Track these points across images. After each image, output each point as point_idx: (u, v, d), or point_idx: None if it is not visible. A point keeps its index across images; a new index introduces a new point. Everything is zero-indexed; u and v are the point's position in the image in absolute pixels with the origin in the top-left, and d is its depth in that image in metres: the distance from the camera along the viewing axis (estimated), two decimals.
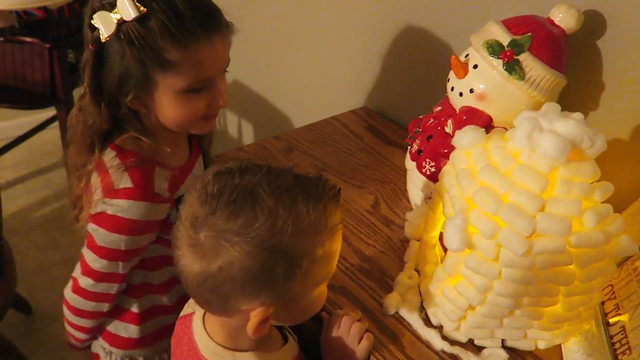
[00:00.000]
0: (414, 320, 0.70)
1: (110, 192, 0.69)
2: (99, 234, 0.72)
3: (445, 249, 0.68)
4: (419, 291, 0.74)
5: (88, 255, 0.75)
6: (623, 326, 0.61)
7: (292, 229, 0.51)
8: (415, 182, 0.87)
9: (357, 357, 0.66)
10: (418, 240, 0.81)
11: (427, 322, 0.71)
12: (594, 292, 0.62)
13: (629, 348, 0.58)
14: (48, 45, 1.63)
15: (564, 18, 0.73)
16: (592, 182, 0.59)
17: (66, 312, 0.82)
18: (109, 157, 0.71)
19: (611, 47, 0.76)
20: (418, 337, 0.69)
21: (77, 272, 0.78)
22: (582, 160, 0.58)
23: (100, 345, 0.86)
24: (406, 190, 0.94)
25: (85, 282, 0.76)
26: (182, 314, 0.68)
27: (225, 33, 0.70)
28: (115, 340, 0.84)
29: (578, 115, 0.60)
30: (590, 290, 0.61)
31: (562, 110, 0.62)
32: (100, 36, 0.65)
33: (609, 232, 0.58)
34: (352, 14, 1.19)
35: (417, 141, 0.88)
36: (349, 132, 1.13)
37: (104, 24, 0.64)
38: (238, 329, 0.58)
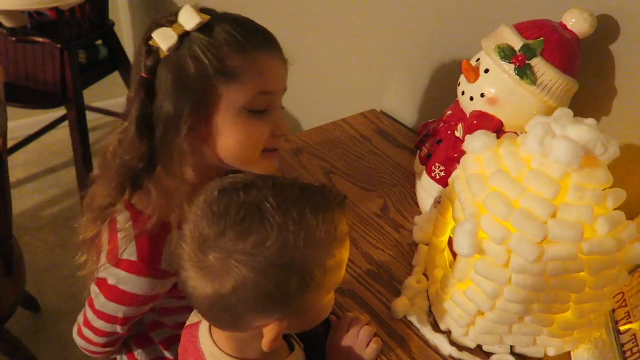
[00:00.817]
0: (422, 324, 0.70)
1: (114, 259, 0.66)
2: (99, 300, 0.70)
3: (454, 254, 0.68)
4: (427, 296, 0.74)
5: (88, 312, 0.73)
6: (634, 334, 0.60)
7: (304, 243, 0.50)
8: (425, 186, 0.87)
9: None
10: (427, 245, 0.81)
11: (435, 326, 0.70)
12: (604, 300, 0.61)
13: None
14: (59, 46, 1.65)
15: (576, 22, 0.72)
16: (605, 189, 0.59)
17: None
18: (123, 219, 0.67)
19: (624, 52, 0.75)
20: (426, 342, 0.69)
21: (80, 319, 0.77)
22: (595, 167, 0.58)
23: None
24: (415, 194, 0.94)
25: (87, 333, 0.76)
26: (187, 322, 0.68)
27: (283, 56, 0.68)
28: None
29: (591, 120, 0.59)
30: (601, 298, 0.60)
31: (575, 115, 0.61)
32: (160, 52, 0.62)
33: (621, 239, 0.57)
34: (362, 18, 1.19)
35: (427, 145, 0.88)
36: (358, 135, 1.12)
37: (164, 39, 0.61)
38: (246, 340, 0.58)
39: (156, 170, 0.66)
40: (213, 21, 0.63)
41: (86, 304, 0.74)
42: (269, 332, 0.53)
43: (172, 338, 0.83)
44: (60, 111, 2.07)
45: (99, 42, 1.93)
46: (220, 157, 0.67)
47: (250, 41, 0.64)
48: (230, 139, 0.65)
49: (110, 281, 0.67)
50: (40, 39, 1.66)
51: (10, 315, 1.20)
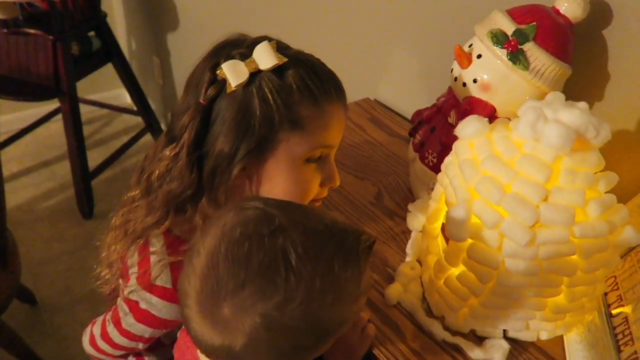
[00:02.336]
0: (415, 310, 0.70)
1: (147, 284, 0.64)
2: (127, 320, 0.68)
3: (447, 240, 0.68)
4: (421, 282, 0.74)
5: (111, 328, 0.72)
6: (626, 317, 0.61)
7: (331, 303, 0.46)
8: (418, 174, 0.87)
9: (360, 348, 0.66)
10: (420, 232, 0.81)
11: (429, 312, 0.70)
12: (597, 283, 0.62)
13: (632, 339, 0.58)
14: (52, 37, 1.64)
15: (569, 7, 0.72)
16: (596, 172, 0.59)
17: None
18: (158, 243, 0.65)
19: (617, 37, 0.75)
20: (420, 328, 0.69)
21: (96, 330, 0.75)
22: (587, 150, 0.58)
23: None
24: (409, 181, 0.94)
25: (104, 346, 0.74)
26: (184, 326, 0.67)
27: (347, 107, 0.66)
28: None
29: (583, 104, 0.59)
30: (594, 281, 0.61)
31: (567, 100, 0.61)
32: (226, 86, 0.59)
33: (613, 222, 0.57)
34: (355, 7, 1.19)
35: (420, 132, 0.88)
36: (352, 124, 1.12)
37: (234, 73, 0.58)
38: None
39: (201, 200, 0.63)
40: (288, 63, 0.60)
41: (107, 319, 0.73)
42: None
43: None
44: (54, 104, 2.07)
45: (92, 33, 1.92)
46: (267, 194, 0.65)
47: (323, 92, 0.61)
48: (280, 185, 0.63)
49: (142, 305, 0.65)
50: (33, 31, 1.65)
51: (4, 308, 1.20)
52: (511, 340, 0.67)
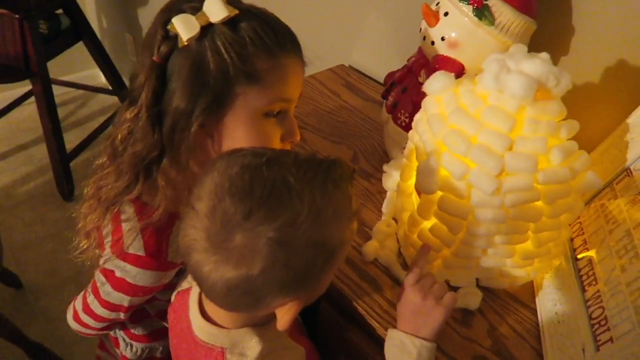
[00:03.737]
0: (392, 265, 0.72)
1: (120, 252, 0.64)
2: (104, 289, 0.69)
3: (419, 194, 0.69)
4: (397, 238, 0.76)
5: (91, 299, 0.72)
6: (590, 260, 0.64)
7: (332, 218, 0.49)
8: (392, 134, 0.88)
9: (433, 315, 0.59)
10: (395, 191, 0.82)
11: (405, 266, 0.73)
12: (561, 228, 0.64)
13: (595, 279, 0.61)
14: (18, 16, 1.59)
15: None
16: (559, 121, 0.60)
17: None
18: (127, 212, 0.65)
19: None
20: (397, 281, 0.71)
21: (78, 305, 0.76)
22: (548, 99, 0.59)
23: (120, 335, 0.86)
24: (384, 143, 0.95)
25: (86, 319, 0.75)
26: (179, 288, 0.68)
27: (304, 61, 0.65)
28: (135, 336, 0.84)
29: (544, 55, 0.61)
30: (558, 226, 0.63)
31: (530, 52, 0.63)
32: (178, 41, 0.57)
33: (575, 168, 0.59)
34: None
35: (393, 94, 0.89)
36: (327, 91, 1.13)
37: (185, 27, 0.57)
38: (241, 313, 0.56)
39: (163, 161, 0.63)
40: (240, 16, 0.58)
41: (87, 291, 0.73)
42: (287, 312, 0.52)
43: (166, 310, 0.83)
44: (26, 86, 2.02)
45: (60, 11, 1.87)
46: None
47: (278, 45, 0.60)
48: (240, 140, 0.63)
49: (118, 274, 0.66)
50: None
51: None
52: (484, 289, 0.70)
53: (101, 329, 0.78)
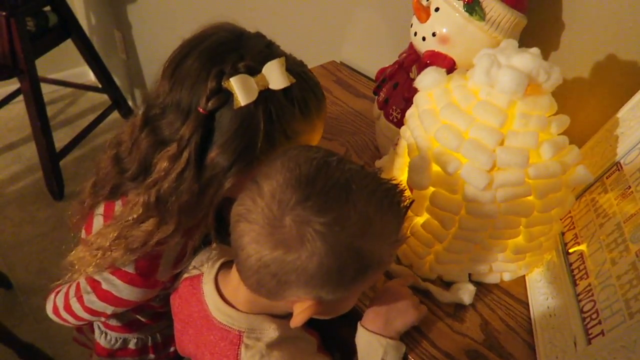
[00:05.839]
0: None
1: (111, 265, 0.64)
2: (89, 297, 0.69)
3: (412, 191, 0.69)
4: None
5: (74, 303, 0.72)
6: (581, 254, 0.64)
7: (377, 235, 0.50)
8: (384, 130, 0.88)
9: (403, 318, 0.63)
10: None
11: (397, 262, 0.73)
12: (553, 223, 0.64)
13: (586, 273, 0.61)
14: (4, 13, 1.58)
15: None
16: (549, 115, 0.61)
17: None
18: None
19: None
20: (390, 277, 0.71)
21: (59, 302, 0.75)
22: (539, 94, 0.60)
23: (96, 323, 0.86)
24: (375, 139, 0.95)
25: (67, 316, 0.75)
26: (186, 275, 0.68)
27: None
28: (110, 326, 0.84)
29: (535, 49, 0.61)
30: (549, 221, 0.63)
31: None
32: (235, 102, 0.58)
33: (565, 162, 0.60)
34: None
35: (384, 90, 0.88)
36: None
37: (245, 91, 0.57)
38: (259, 298, 0.56)
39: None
40: (296, 83, 0.61)
41: (70, 292, 0.73)
42: (304, 310, 0.53)
43: (141, 306, 0.82)
44: (14, 84, 2.00)
45: (48, 8, 1.85)
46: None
47: (317, 111, 0.65)
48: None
49: (104, 286, 0.66)
50: None
51: None
52: (476, 284, 0.70)
53: (80, 325, 0.79)
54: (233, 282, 0.60)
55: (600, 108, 0.79)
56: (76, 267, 0.67)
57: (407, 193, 0.55)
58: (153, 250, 0.63)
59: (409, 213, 0.66)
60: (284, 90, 0.60)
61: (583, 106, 0.80)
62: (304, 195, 0.48)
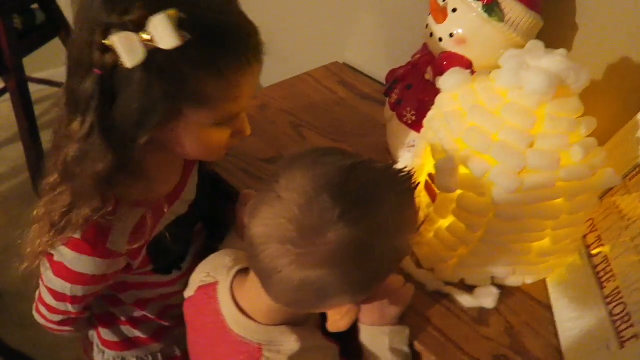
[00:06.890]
0: (406, 264, 0.71)
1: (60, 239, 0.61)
2: (47, 275, 0.66)
3: (432, 195, 0.68)
4: None
5: (41, 286, 0.70)
6: (606, 256, 0.64)
7: (407, 227, 0.51)
8: (396, 132, 0.87)
9: (394, 308, 0.63)
10: None
11: (419, 265, 0.72)
12: (579, 225, 0.64)
13: (613, 275, 0.61)
14: None
15: None
16: (577, 117, 0.60)
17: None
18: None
19: None
20: (410, 281, 0.70)
21: (37, 295, 0.73)
22: (567, 96, 0.59)
23: (95, 341, 0.83)
24: (386, 142, 0.94)
25: (42, 309, 0.72)
26: (200, 284, 0.66)
27: (261, 59, 0.59)
28: (106, 342, 0.81)
29: (562, 51, 0.60)
30: (576, 223, 0.63)
31: None
32: (121, 64, 0.50)
33: (594, 165, 0.59)
34: None
35: (396, 91, 0.87)
36: (322, 88, 1.11)
37: (128, 49, 0.49)
38: (279, 308, 0.55)
39: (119, 175, 0.59)
40: (190, 34, 0.50)
41: (40, 279, 0.71)
42: (346, 315, 0.53)
43: (137, 318, 0.80)
44: (0, 83, 1.94)
45: (35, 6, 1.80)
46: (178, 154, 0.64)
47: (230, 65, 0.54)
48: (188, 147, 0.61)
49: (56, 257, 0.63)
50: None
51: None
52: (498, 287, 0.69)
53: (60, 324, 0.75)
54: (250, 292, 0.59)
55: (614, 110, 0.79)
56: (28, 250, 0.65)
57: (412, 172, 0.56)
58: (102, 219, 0.60)
59: (433, 215, 0.66)
60: (181, 49, 0.49)
61: (600, 107, 0.80)
62: (343, 207, 0.46)
